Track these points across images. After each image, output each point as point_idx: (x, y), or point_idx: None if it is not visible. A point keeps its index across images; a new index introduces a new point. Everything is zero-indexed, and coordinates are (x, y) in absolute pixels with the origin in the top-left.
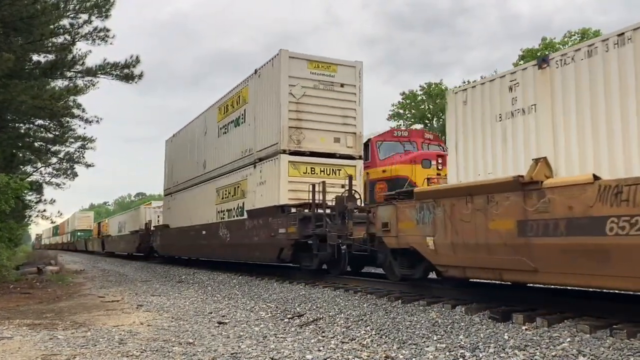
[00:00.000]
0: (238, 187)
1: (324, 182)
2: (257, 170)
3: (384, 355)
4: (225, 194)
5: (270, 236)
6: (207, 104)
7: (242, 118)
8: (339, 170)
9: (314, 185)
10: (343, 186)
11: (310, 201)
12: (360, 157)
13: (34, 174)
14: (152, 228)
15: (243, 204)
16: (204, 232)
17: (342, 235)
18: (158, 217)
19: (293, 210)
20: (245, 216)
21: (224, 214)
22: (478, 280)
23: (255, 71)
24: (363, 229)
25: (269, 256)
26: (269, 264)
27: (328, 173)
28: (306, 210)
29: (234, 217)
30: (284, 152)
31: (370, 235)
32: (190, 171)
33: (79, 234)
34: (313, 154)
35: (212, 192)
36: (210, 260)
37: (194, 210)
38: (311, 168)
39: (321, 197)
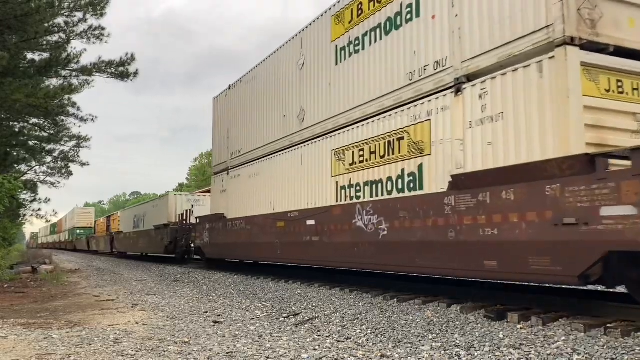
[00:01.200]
0: (401, 139)
1: None
2: (466, 96)
3: (380, 354)
4: (360, 157)
5: (554, 226)
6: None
7: (410, 12)
8: None
9: None
10: None
11: None
12: None
13: (28, 172)
14: (194, 221)
15: (420, 166)
16: (309, 224)
17: None
18: (192, 206)
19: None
20: (442, 188)
21: (357, 190)
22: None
23: None
24: None
25: (547, 269)
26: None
27: None
28: None
29: (390, 192)
30: (571, 41)
31: None
32: (268, 132)
33: (78, 231)
34: (619, 51)
35: (323, 156)
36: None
37: (281, 189)
38: (617, 82)
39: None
